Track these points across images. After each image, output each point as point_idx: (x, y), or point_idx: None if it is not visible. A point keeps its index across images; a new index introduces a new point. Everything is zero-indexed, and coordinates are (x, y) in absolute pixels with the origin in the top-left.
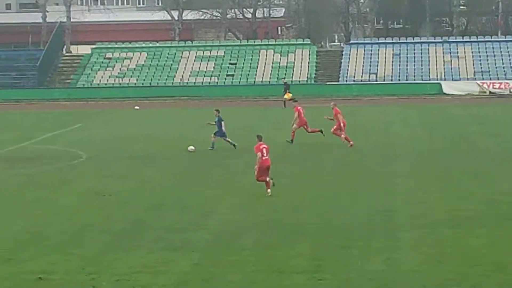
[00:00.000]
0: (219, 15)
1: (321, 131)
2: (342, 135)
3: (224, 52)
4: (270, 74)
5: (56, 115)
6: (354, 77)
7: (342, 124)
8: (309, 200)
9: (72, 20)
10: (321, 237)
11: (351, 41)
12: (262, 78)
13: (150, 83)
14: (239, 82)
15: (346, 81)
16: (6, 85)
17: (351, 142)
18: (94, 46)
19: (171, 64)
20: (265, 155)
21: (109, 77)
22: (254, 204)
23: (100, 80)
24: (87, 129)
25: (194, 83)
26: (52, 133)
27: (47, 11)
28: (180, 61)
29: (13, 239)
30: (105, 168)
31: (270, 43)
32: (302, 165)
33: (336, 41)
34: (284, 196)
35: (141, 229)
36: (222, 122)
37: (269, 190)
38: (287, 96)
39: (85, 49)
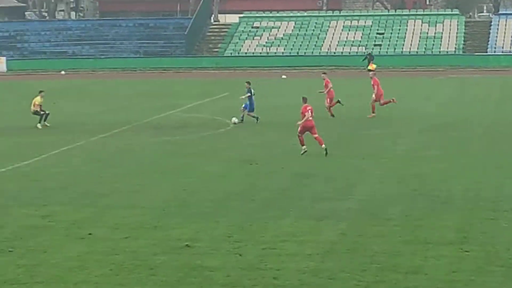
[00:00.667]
0: None
1: (392, 100)
2: (380, 101)
3: (372, 22)
4: (418, 44)
5: (203, 84)
6: (502, 47)
7: (374, 95)
8: (457, 171)
9: None
10: (469, 209)
11: (500, 12)
12: (410, 48)
13: (298, 53)
14: (387, 52)
15: (495, 52)
16: (154, 53)
17: (373, 114)
18: (242, 15)
19: (319, 34)
20: (309, 116)
21: (257, 46)
22: (402, 175)
23: (247, 49)
24: (234, 98)
25: (342, 52)
26: (199, 101)
27: None
28: (327, 30)
29: (160, 206)
30: (252, 136)
31: (418, 13)
32: (449, 135)
33: (485, 11)
34: (433, 167)
35: (287, 198)
36: (253, 96)
37: (304, 147)
38: (371, 67)
39: (232, 18)
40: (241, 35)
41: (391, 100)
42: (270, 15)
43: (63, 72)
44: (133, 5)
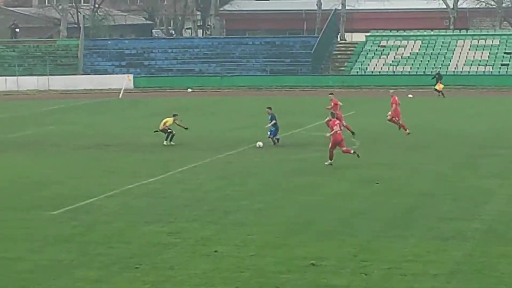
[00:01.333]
0: (494, 3)
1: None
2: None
3: (499, 41)
4: None
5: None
6: None
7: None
8: None
9: (347, 7)
10: None
11: None
12: None
13: (424, 72)
14: None
15: None
16: (281, 72)
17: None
18: (368, 34)
19: (445, 53)
20: (338, 129)
21: (383, 65)
22: None
23: (374, 68)
24: (360, 116)
25: (468, 72)
26: (325, 120)
27: None
28: (454, 49)
29: (285, 224)
30: (377, 155)
31: None
32: None
33: None
34: None
35: (412, 218)
36: (274, 120)
37: (331, 161)
38: (439, 86)
39: (359, 37)
40: (367, 53)
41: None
42: (397, 34)
43: (189, 90)
44: (259, 23)
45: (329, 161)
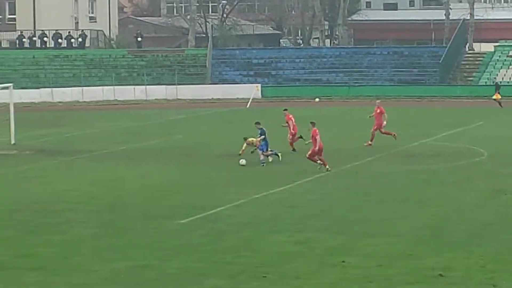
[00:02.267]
0: None
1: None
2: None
3: None
4: None
5: (457, 113)
6: None
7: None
8: None
9: (475, 17)
10: None
11: None
12: None
13: None
14: None
15: None
16: (408, 82)
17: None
18: (497, 44)
19: None
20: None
21: None
22: None
23: (502, 78)
24: (488, 127)
25: None
26: (453, 130)
27: (450, 8)
28: None
29: (413, 235)
30: (506, 165)
31: None
32: None
33: None
34: None
35: None
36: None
37: (319, 167)
38: (496, 96)
39: (487, 47)
40: (496, 63)
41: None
42: None
43: (317, 99)
44: (387, 33)
45: (327, 167)
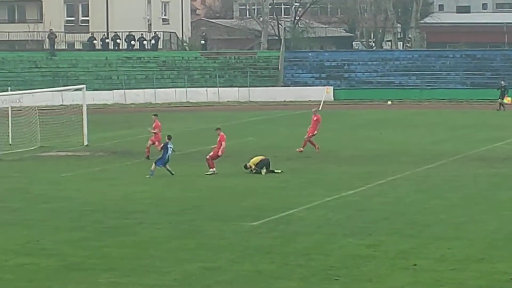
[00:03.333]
0: None
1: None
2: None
3: None
4: None
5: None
6: None
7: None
8: None
9: None
10: None
11: None
12: None
13: None
14: None
15: None
16: (481, 85)
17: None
18: None
19: None
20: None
21: None
22: None
23: None
24: None
25: None
26: None
27: None
28: None
29: (486, 239)
30: None
31: None
32: None
33: None
34: None
35: None
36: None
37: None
38: (507, 100)
39: None
40: None
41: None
42: None
43: (389, 102)
44: (460, 36)
45: (212, 170)
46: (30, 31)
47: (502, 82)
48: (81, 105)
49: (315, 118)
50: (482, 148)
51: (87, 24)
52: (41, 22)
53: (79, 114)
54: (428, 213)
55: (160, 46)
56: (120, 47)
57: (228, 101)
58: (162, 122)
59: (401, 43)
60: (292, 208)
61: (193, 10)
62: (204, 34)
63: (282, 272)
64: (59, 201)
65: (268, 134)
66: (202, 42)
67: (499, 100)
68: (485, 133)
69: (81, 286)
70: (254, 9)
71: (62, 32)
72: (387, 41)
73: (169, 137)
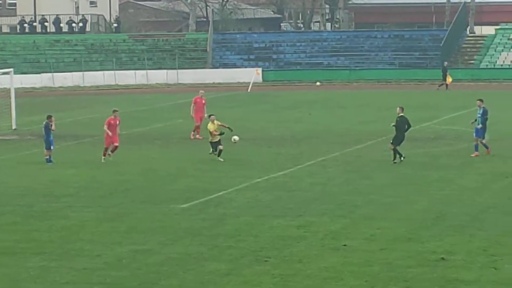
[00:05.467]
0: None
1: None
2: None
3: None
4: None
5: (459, 96)
6: None
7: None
8: None
9: (476, 0)
10: None
11: None
12: None
13: None
14: None
15: None
16: (409, 65)
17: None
18: (498, 27)
19: None
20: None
21: None
22: None
23: (503, 61)
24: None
25: None
26: (455, 113)
27: None
28: None
29: (415, 218)
30: (508, 148)
31: None
32: None
33: None
34: None
35: None
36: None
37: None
38: (449, 80)
39: (489, 30)
40: (497, 47)
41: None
42: None
43: (318, 83)
44: (388, 17)
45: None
46: None
47: (445, 63)
48: (9, 89)
49: (203, 102)
50: (411, 128)
51: (14, 8)
52: None
53: (7, 98)
54: (358, 194)
55: (88, 29)
56: (48, 30)
57: (156, 83)
58: (90, 106)
59: (330, 24)
60: (222, 190)
61: None
62: (117, 15)
63: (212, 254)
64: None
65: None
66: (115, 25)
67: (442, 80)
68: (413, 113)
69: (10, 270)
70: None
71: None
72: (316, 22)
73: (49, 117)
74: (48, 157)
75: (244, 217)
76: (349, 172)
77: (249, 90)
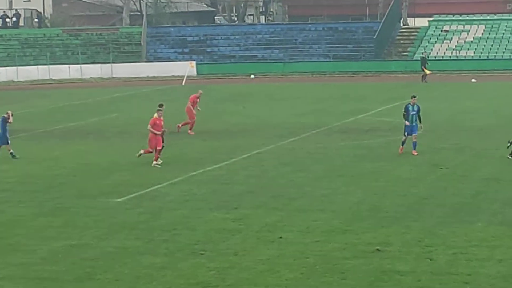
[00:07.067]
0: None
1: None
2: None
3: None
4: None
5: (393, 88)
6: None
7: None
8: None
9: None
10: None
11: None
12: None
13: (488, 56)
14: None
15: None
16: (343, 57)
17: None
18: (431, 19)
19: (509, 37)
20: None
21: (446, 49)
22: None
23: (437, 53)
24: (423, 101)
25: None
26: (389, 105)
27: None
28: None
29: (350, 210)
30: (442, 140)
31: None
32: None
33: None
34: None
35: (478, 203)
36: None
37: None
38: (427, 71)
39: (422, 22)
40: (430, 38)
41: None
42: (460, 18)
43: (252, 76)
44: (321, 9)
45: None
46: None
47: (424, 53)
48: None
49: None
50: (345, 120)
51: None
52: None
53: None
54: (293, 186)
55: (21, 23)
56: None
57: (91, 77)
58: (24, 101)
59: (263, 17)
60: (157, 184)
61: None
62: (39, 12)
63: (147, 248)
64: None
65: (132, 110)
66: (36, 20)
67: (422, 72)
68: (348, 105)
69: None
70: None
71: None
72: (249, 15)
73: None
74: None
75: (179, 210)
76: (284, 165)
77: (183, 84)
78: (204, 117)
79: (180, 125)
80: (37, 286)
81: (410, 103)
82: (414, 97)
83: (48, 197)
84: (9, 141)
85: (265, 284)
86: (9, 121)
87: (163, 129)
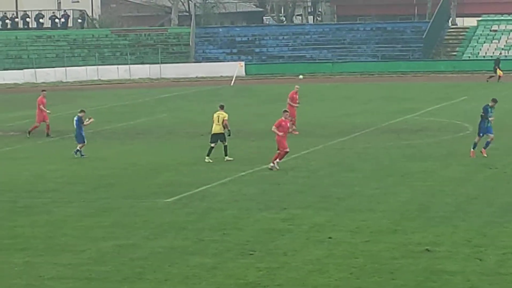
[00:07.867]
0: None
1: None
2: None
3: None
4: None
5: (441, 88)
6: None
7: None
8: None
9: None
10: None
11: None
12: None
13: None
14: None
15: None
16: (392, 57)
17: None
18: (480, 18)
19: None
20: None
21: (495, 49)
22: None
23: (485, 53)
24: (472, 101)
25: None
26: (437, 105)
27: None
28: None
29: (399, 210)
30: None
31: None
32: None
33: None
34: None
35: None
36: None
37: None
38: (499, 72)
39: (470, 21)
40: (479, 38)
41: None
42: (509, 18)
43: (301, 77)
44: (370, 9)
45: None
46: None
47: (499, 54)
48: None
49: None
50: (394, 120)
51: None
52: None
53: None
54: (342, 186)
55: (70, 24)
56: (30, 26)
57: (139, 78)
58: (74, 100)
59: (312, 17)
60: (206, 184)
61: None
62: (84, 11)
63: (196, 248)
64: None
65: (180, 110)
66: (80, 21)
67: (493, 72)
68: (396, 105)
69: None
70: None
71: None
72: (298, 15)
73: (82, 111)
74: (80, 149)
75: (228, 210)
76: (332, 165)
77: (232, 84)
78: (252, 118)
79: (291, 130)
80: (85, 286)
81: (489, 105)
82: (495, 100)
83: (96, 197)
84: (85, 140)
85: (314, 284)
86: (84, 123)
87: (227, 129)
